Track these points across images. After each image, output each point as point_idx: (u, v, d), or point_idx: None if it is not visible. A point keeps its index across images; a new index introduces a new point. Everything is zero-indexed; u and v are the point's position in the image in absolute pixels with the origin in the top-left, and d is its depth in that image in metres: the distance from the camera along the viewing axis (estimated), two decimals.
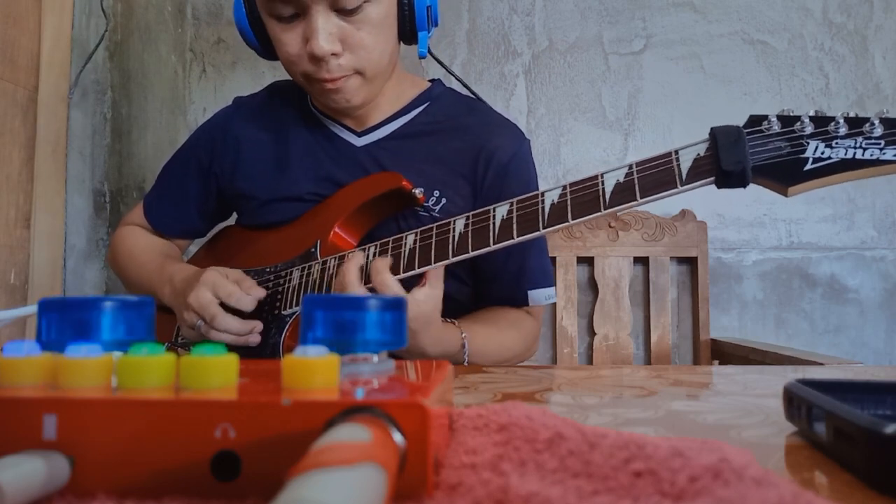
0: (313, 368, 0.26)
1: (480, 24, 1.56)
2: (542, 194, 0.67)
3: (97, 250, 1.54)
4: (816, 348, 1.51)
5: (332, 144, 0.92)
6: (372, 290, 0.70)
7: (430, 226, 0.72)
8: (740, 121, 0.61)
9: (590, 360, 1.48)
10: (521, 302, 0.93)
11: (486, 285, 0.94)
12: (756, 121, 0.61)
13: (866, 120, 0.57)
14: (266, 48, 0.87)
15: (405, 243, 0.73)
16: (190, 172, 0.99)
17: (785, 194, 0.59)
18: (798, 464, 0.32)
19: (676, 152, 0.62)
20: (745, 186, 0.59)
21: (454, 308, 0.90)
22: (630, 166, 0.63)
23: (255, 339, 0.77)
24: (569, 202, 0.64)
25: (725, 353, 1.38)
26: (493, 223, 0.68)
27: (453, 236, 0.70)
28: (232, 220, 1.02)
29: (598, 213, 0.63)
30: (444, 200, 0.86)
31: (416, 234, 0.73)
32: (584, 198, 0.64)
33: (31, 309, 0.59)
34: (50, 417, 0.24)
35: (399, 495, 0.23)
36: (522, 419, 0.31)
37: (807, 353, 1.16)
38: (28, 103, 1.30)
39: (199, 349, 0.26)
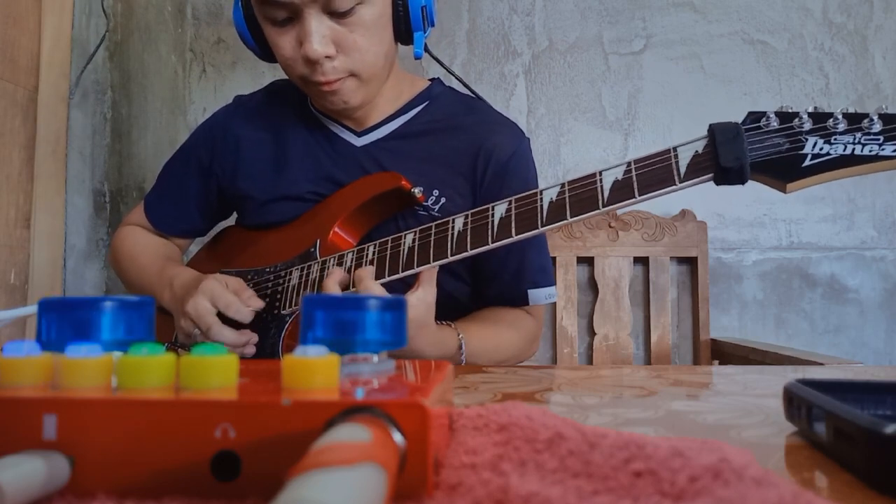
0: (313, 368, 0.26)
1: (480, 24, 1.56)
2: (541, 192, 0.66)
3: (97, 250, 1.54)
4: (816, 348, 1.51)
5: (331, 144, 0.92)
6: None
7: (429, 225, 0.72)
8: (740, 121, 0.61)
9: (590, 360, 1.48)
10: (520, 301, 0.93)
11: (486, 285, 0.93)
12: (754, 117, 0.60)
13: (865, 116, 0.57)
14: (265, 51, 0.87)
15: (404, 242, 0.73)
16: (190, 171, 0.99)
17: (784, 191, 0.59)
18: (798, 464, 0.32)
19: (675, 149, 0.62)
20: (743, 183, 0.59)
21: (454, 307, 0.90)
22: (628, 164, 0.63)
23: (250, 350, 0.76)
24: (567, 200, 0.64)
25: (725, 353, 1.38)
26: (492, 221, 0.68)
27: (452, 235, 0.69)
28: (232, 220, 1.03)
29: (597, 211, 0.62)
30: (443, 200, 0.86)
31: (415, 233, 0.73)
32: (583, 195, 0.64)
33: (31, 309, 0.59)
34: (50, 417, 0.24)
35: (399, 495, 0.23)
36: (522, 419, 0.31)
37: (807, 353, 1.16)
38: (28, 103, 1.30)
39: (199, 349, 0.26)
